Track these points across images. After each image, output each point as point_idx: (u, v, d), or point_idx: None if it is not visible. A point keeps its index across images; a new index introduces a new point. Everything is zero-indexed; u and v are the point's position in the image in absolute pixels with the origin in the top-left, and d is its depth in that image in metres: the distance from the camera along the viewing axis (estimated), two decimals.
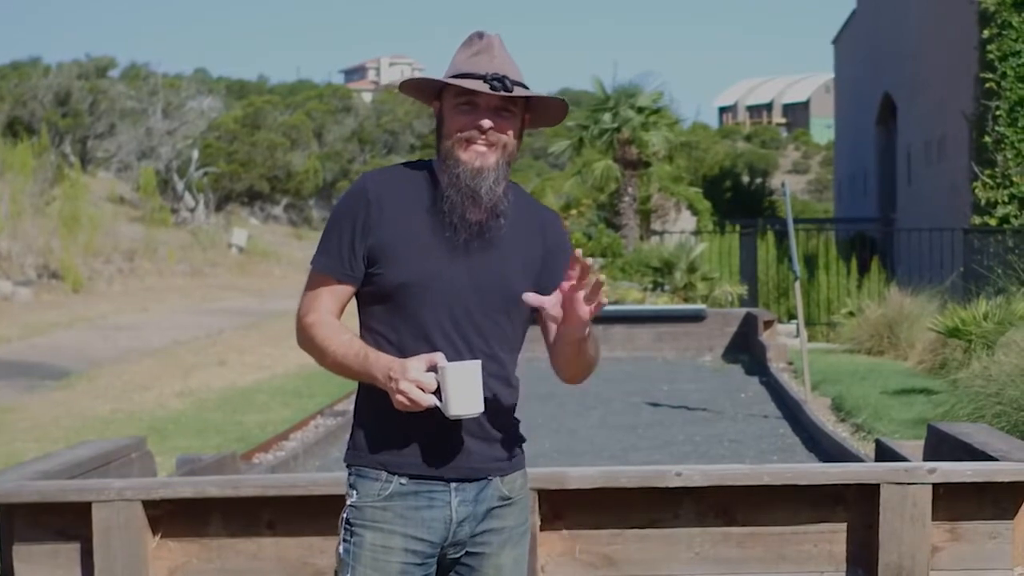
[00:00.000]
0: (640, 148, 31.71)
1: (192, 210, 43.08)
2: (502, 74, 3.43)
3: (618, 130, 31.72)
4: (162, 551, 6.10)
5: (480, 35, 3.53)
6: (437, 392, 3.31)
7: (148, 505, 6.02)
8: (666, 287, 23.29)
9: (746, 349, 17.88)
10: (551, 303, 3.37)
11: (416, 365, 3.29)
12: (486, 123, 3.44)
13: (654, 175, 32.19)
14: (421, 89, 3.58)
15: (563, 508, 6.01)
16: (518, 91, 3.45)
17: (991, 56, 22.49)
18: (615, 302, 23.32)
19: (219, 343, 19.63)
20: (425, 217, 3.48)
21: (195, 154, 44.86)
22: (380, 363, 3.36)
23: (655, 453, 10.76)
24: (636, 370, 16.83)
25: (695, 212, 33.29)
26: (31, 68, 53.91)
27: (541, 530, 5.98)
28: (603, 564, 6.04)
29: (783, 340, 17.99)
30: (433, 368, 3.30)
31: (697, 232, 29.05)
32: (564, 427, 12.17)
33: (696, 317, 18.85)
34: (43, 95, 45.62)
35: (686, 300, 22.50)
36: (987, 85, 22.59)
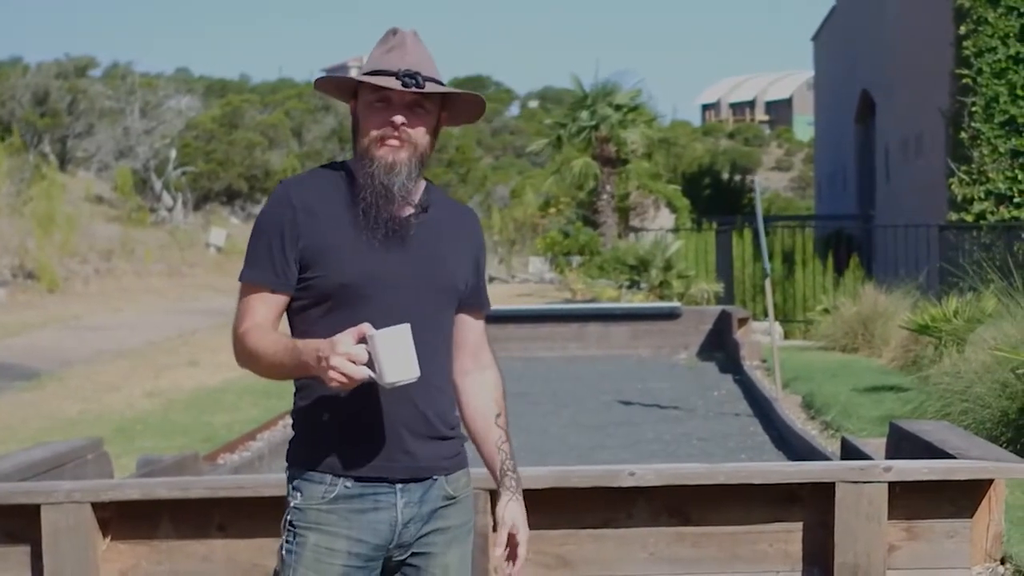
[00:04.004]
0: (618, 145, 31.77)
1: (170, 210, 42.93)
2: (415, 70, 3.39)
3: (596, 128, 31.77)
4: (112, 553, 6.04)
5: (395, 31, 3.51)
6: (371, 365, 3.22)
7: (97, 507, 5.95)
8: (642, 285, 23.29)
9: (721, 347, 17.85)
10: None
11: (345, 339, 3.20)
12: (398, 119, 3.41)
13: (632, 172, 32.24)
14: (337, 88, 3.56)
15: None
16: (430, 87, 3.41)
17: (967, 52, 22.49)
18: (590, 300, 23.34)
19: (192, 343, 19.56)
20: (351, 217, 3.45)
21: (173, 153, 44.72)
22: (309, 348, 3.27)
23: (623, 452, 10.72)
24: (610, 368, 16.79)
25: (674, 209, 33.33)
26: (10, 68, 53.72)
27: (494, 531, 5.91)
28: (557, 565, 5.99)
29: (757, 338, 17.95)
30: (363, 340, 3.23)
31: (675, 229, 29.05)
32: (535, 426, 12.10)
33: (671, 315, 18.80)
34: (21, 95, 45.44)
35: (662, 298, 22.51)
36: (963, 81, 22.59)
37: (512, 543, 3.64)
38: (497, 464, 3.66)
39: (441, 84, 3.47)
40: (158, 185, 43.94)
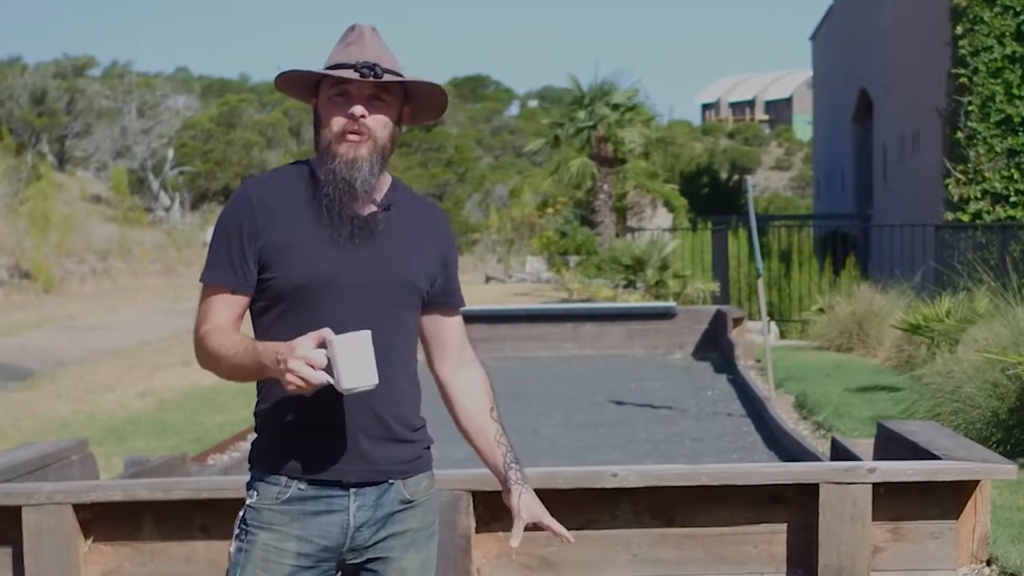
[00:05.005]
0: (616, 145, 31.77)
1: (167, 209, 42.96)
2: (373, 62, 3.37)
3: (594, 127, 31.77)
4: (94, 555, 6.03)
5: (353, 27, 3.49)
6: (329, 370, 3.19)
7: (79, 508, 5.94)
8: (638, 284, 23.25)
9: (716, 347, 17.79)
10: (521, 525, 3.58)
11: (304, 343, 3.17)
12: (358, 110, 3.38)
13: (630, 172, 32.24)
14: (298, 87, 3.53)
15: (499, 510, 5.90)
16: (388, 77, 3.39)
17: (963, 51, 22.45)
18: (587, 300, 23.30)
19: (186, 343, 19.47)
20: (311, 215, 3.42)
21: (170, 153, 44.73)
22: (268, 350, 3.25)
23: (614, 452, 10.68)
24: (605, 368, 16.75)
25: (671, 209, 33.32)
26: (8, 68, 53.71)
27: (477, 532, 5.91)
28: (540, 566, 5.97)
29: (753, 337, 17.90)
30: (323, 345, 3.20)
31: (672, 229, 29.03)
32: (527, 426, 12.08)
33: (666, 315, 18.74)
34: (19, 94, 45.45)
35: (658, 297, 22.46)
36: (959, 81, 22.55)
37: (548, 531, 3.60)
38: (499, 459, 3.60)
39: (400, 76, 3.44)
40: (155, 185, 43.95)
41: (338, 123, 3.39)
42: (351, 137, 3.39)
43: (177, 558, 6.00)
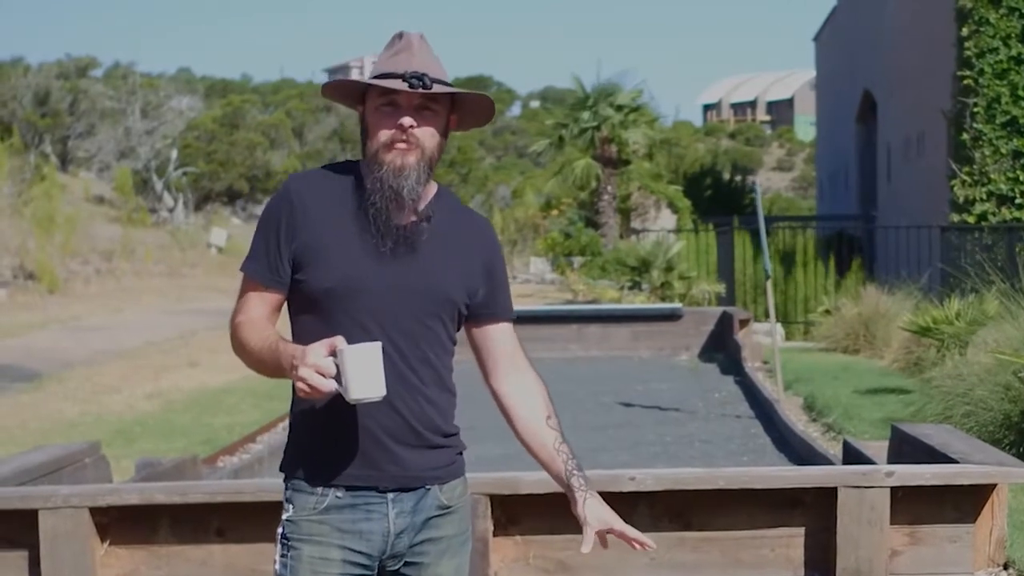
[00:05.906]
0: (619, 146, 31.78)
1: (171, 210, 42.93)
2: (422, 72, 3.35)
3: (598, 128, 31.77)
4: (110, 558, 6.02)
5: (400, 35, 3.47)
6: (339, 379, 3.19)
7: (96, 512, 5.94)
8: (644, 286, 23.25)
9: (722, 348, 17.79)
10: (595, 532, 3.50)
11: (316, 350, 3.17)
12: (407, 120, 3.37)
13: (634, 173, 32.25)
14: (344, 94, 3.51)
15: (516, 513, 5.93)
16: (437, 88, 3.37)
17: (968, 53, 22.44)
18: (592, 301, 23.30)
19: (192, 344, 19.49)
20: (351, 220, 3.40)
21: (174, 154, 44.70)
22: (286, 352, 3.25)
23: (623, 454, 10.66)
24: (611, 370, 16.73)
25: (675, 210, 33.32)
26: (11, 68, 53.63)
27: (494, 536, 5.90)
28: (557, 570, 5.97)
29: (759, 339, 17.89)
30: (335, 353, 3.19)
31: (677, 230, 29.02)
32: None
33: (672, 316, 18.74)
34: (22, 95, 45.41)
35: (663, 299, 22.46)
36: (965, 82, 22.54)
37: (622, 537, 3.51)
38: (560, 468, 3.53)
39: (448, 85, 3.42)
40: (159, 185, 43.93)
41: (386, 134, 3.38)
42: (399, 146, 3.37)
43: (193, 561, 5.99)
